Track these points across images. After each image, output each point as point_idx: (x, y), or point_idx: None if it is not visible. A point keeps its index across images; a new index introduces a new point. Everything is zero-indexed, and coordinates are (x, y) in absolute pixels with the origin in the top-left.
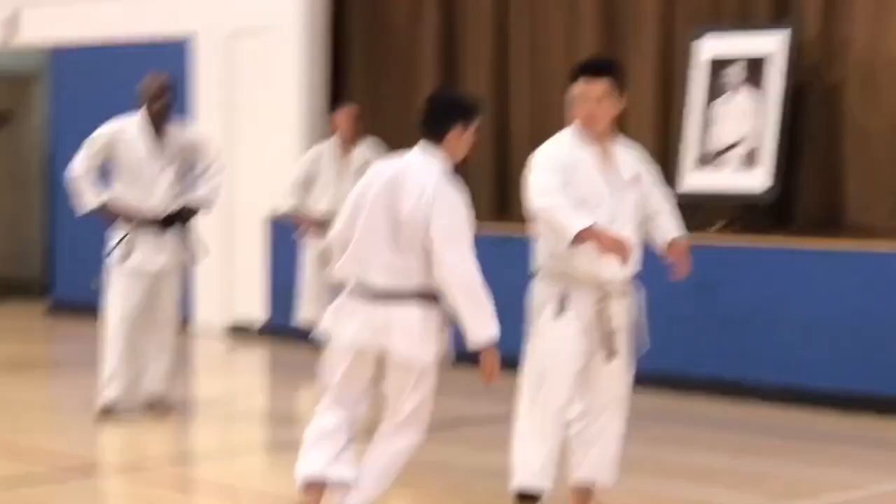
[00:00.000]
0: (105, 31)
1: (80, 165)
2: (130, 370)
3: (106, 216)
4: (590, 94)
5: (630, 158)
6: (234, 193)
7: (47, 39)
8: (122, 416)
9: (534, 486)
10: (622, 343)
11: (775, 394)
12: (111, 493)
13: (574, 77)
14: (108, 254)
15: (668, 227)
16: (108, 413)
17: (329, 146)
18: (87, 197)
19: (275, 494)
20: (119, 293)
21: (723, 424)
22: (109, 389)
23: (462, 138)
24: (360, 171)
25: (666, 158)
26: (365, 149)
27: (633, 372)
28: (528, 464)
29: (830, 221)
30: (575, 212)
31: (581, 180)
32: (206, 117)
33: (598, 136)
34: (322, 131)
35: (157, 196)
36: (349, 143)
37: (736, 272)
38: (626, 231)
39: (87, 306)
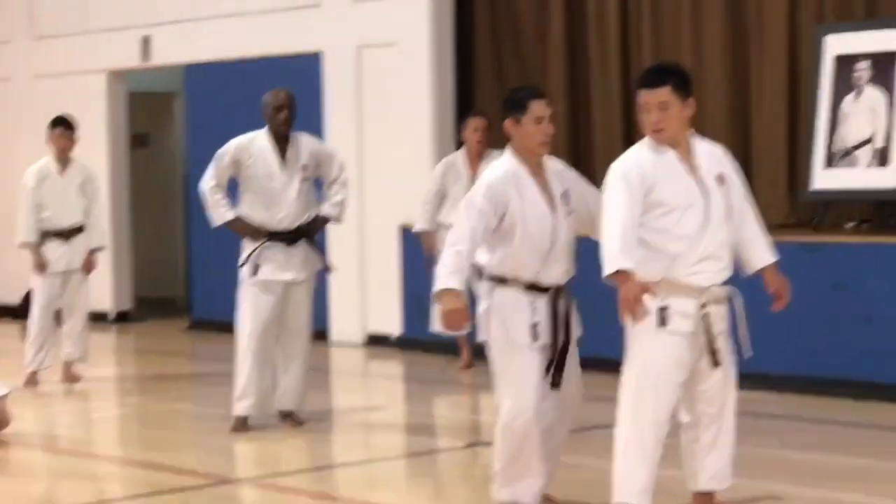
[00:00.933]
0: (237, 49)
1: (209, 180)
2: (263, 383)
3: (237, 230)
4: (651, 103)
5: (713, 158)
6: (366, 205)
7: (182, 58)
8: (257, 428)
9: None
10: (725, 349)
11: None
12: (245, 500)
13: (637, 87)
14: (239, 267)
15: (760, 251)
16: (241, 426)
17: (458, 158)
18: (219, 211)
19: None
20: (249, 307)
21: (856, 424)
22: (242, 403)
23: (516, 129)
24: None
25: (796, 157)
26: (494, 160)
27: (735, 376)
28: (631, 483)
29: None
30: (623, 251)
31: (669, 184)
32: (337, 130)
33: (671, 142)
34: (451, 142)
35: (285, 209)
36: (477, 154)
37: (869, 270)
38: (721, 234)
39: (226, 324)
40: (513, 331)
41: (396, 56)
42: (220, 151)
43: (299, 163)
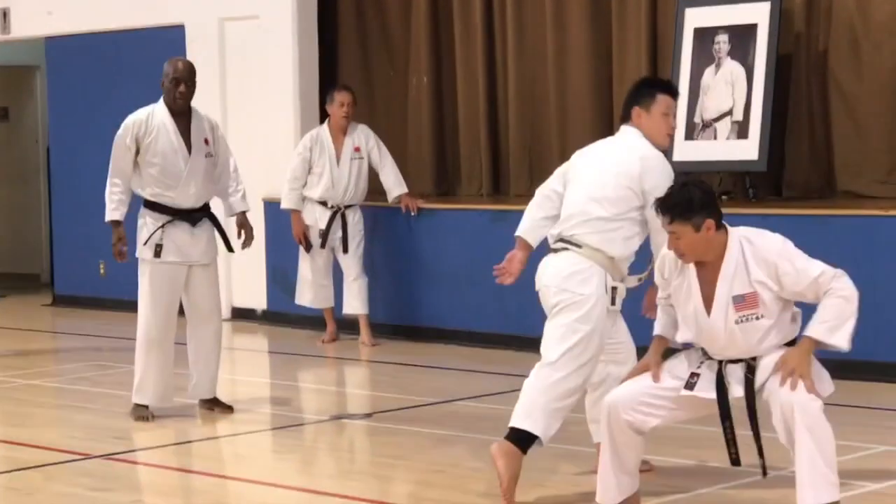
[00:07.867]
0: (98, 22)
1: (112, 171)
2: (164, 374)
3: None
4: (673, 109)
5: None
6: None
7: (42, 30)
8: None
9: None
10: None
11: None
12: (107, 475)
13: (655, 91)
14: (144, 246)
15: None
16: (143, 414)
17: (322, 132)
18: (108, 208)
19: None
20: (151, 291)
21: None
22: (140, 394)
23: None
24: (353, 156)
25: None
26: (357, 134)
27: None
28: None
29: (822, 187)
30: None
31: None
32: (200, 103)
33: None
34: (315, 115)
35: (192, 187)
36: (342, 129)
37: None
38: None
39: (89, 299)
40: None
41: (260, 29)
42: (119, 133)
43: (202, 137)
